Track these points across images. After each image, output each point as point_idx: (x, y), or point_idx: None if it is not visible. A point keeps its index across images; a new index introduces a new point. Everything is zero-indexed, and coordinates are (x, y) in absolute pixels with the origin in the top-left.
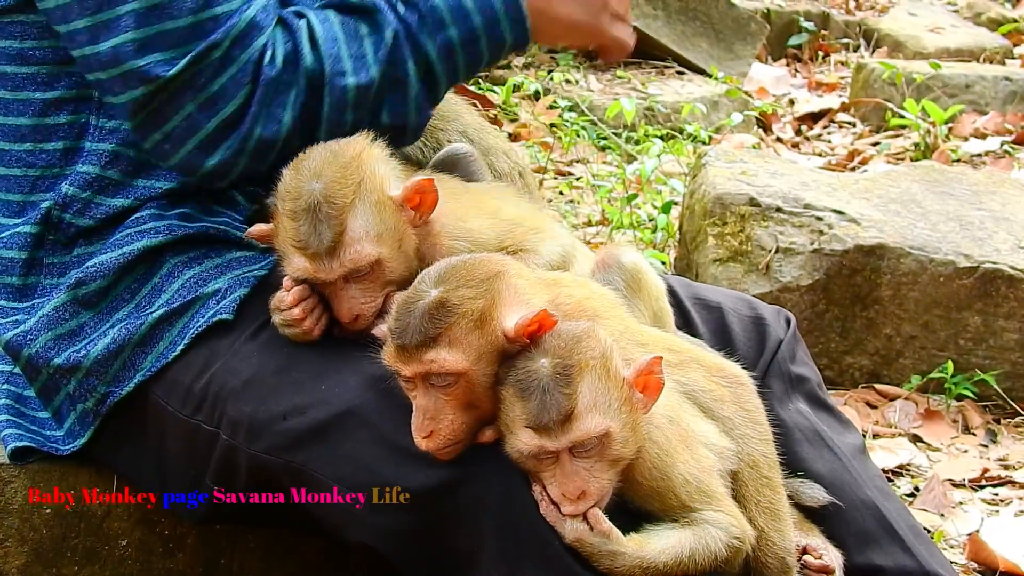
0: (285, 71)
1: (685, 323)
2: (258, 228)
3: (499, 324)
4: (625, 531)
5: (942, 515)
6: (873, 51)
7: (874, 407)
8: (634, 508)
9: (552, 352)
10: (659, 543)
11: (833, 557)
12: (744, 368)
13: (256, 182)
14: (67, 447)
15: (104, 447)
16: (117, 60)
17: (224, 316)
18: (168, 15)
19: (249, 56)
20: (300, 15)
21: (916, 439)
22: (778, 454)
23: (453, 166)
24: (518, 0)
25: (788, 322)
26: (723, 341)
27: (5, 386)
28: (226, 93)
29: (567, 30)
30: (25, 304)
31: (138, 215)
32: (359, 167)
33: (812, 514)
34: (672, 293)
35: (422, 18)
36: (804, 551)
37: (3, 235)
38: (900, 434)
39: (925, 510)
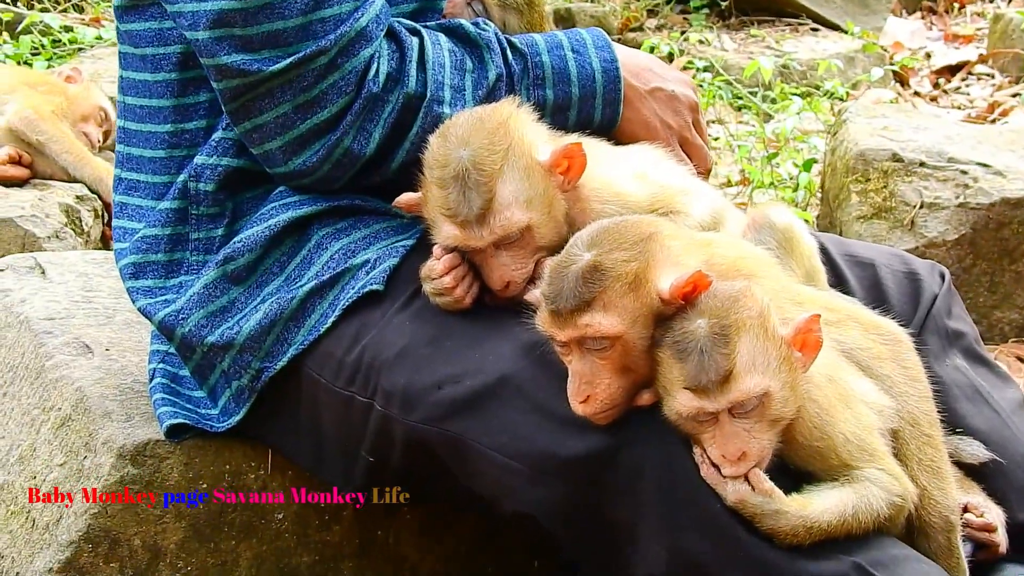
0: (386, 88)
1: (838, 281)
2: (406, 197)
3: (654, 286)
4: (786, 492)
5: None
6: (1010, 1)
7: None
8: (794, 469)
9: (708, 312)
10: (822, 502)
11: (995, 515)
12: (900, 325)
13: (327, 190)
14: (222, 424)
15: (258, 422)
16: (213, 53)
17: (375, 287)
18: (278, 14)
19: (354, 66)
20: (414, 32)
21: None
22: (937, 411)
23: None
24: (618, 85)
25: (942, 277)
26: (877, 298)
27: (161, 366)
28: (325, 99)
29: (644, 131)
30: (172, 282)
31: (282, 188)
32: (506, 133)
33: (972, 471)
34: (824, 251)
35: (526, 70)
36: (965, 509)
37: (149, 216)
38: None
39: None
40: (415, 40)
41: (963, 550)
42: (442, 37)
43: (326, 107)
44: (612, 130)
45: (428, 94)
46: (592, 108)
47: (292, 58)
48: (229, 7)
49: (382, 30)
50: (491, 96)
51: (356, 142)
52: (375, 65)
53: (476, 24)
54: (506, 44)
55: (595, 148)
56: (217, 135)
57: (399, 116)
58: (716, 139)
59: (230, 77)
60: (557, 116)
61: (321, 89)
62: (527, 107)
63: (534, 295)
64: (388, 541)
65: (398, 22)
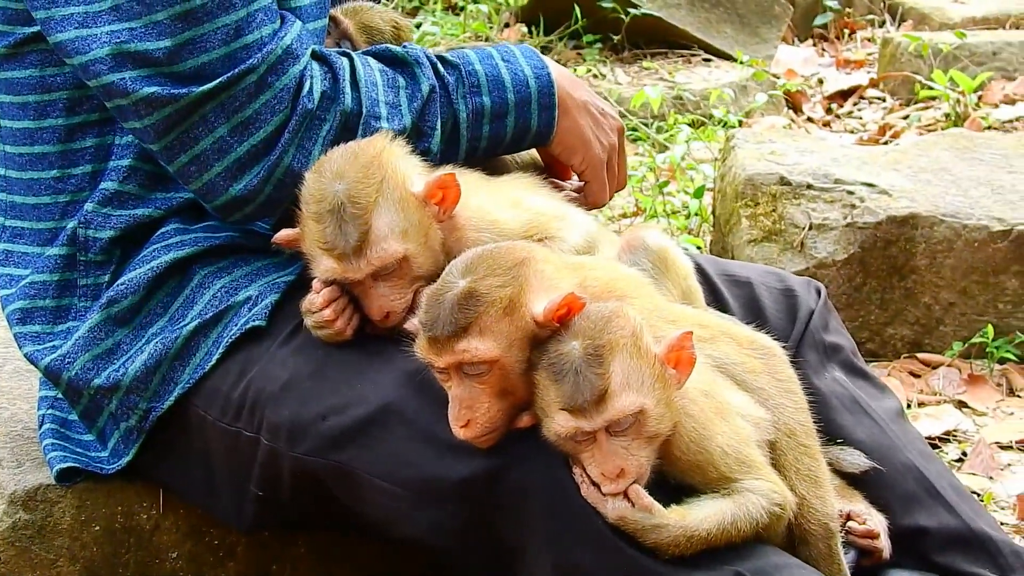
0: (321, 106)
1: (715, 300)
2: (284, 234)
3: (528, 310)
4: (667, 506)
5: (991, 478)
6: (899, 25)
7: (917, 376)
8: (675, 483)
9: (582, 334)
10: (701, 512)
11: (877, 521)
12: (777, 340)
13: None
14: (112, 466)
15: (149, 462)
16: (136, 88)
17: (257, 323)
18: (201, 48)
19: (285, 84)
20: (343, 54)
21: (961, 405)
22: (817, 423)
23: None
24: (551, 90)
25: (819, 292)
26: (754, 315)
27: (50, 411)
28: (259, 118)
29: (581, 142)
30: (60, 328)
31: (163, 230)
32: (380, 166)
33: (854, 481)
34: (701, 271)
35: (460, 79)
36: (848, 517)
37: (36, 263)
38: (945, 401)
39: (974, 473)
40: (345, 61)
41: (846, 557)
42: (371, 59)
43: (261, 127)
44: (550, 138)
45: (364, 111)
46: (529, 113)
47: (221, 79)
48: (153, 47)
49: (306, 49)
50: (427, 107)
51: (296, 160)
52: (308, 83)
53: (403, 46)
54: (435, 59)
55: (469, 178)
56: (109, 185)
57: (338, 134)
58: None
59: (160, 106)
60: (496, 123)
61: (255, 109)
62: (400, 141)
63: (413, 324)
64: (284, 573)
65: (325, 48)
